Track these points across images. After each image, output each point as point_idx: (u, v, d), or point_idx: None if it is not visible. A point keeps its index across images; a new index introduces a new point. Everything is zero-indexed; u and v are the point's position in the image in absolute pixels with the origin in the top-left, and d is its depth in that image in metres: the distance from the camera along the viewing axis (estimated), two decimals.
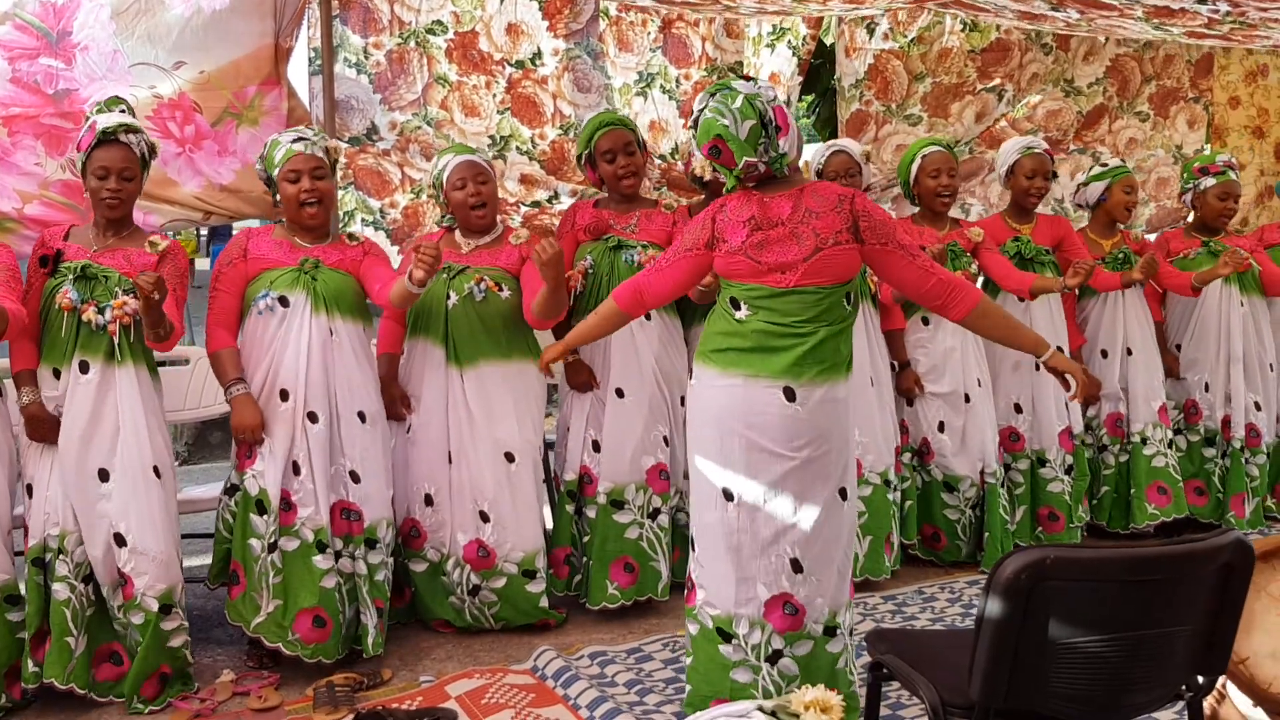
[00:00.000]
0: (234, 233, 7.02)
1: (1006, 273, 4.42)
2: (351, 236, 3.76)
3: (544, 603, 3.85)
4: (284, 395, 3.46)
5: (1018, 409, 4.61)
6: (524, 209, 4.91)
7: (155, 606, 3.25)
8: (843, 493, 2.85)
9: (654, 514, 4.00)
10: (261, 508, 3.42)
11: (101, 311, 3.24)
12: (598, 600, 3.96)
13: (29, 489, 3.31)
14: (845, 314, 2.85)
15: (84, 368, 3.25)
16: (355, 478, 3.54)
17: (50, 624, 3.22)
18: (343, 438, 3.53)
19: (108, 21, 4.04)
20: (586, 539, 4.03)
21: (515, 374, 3.82)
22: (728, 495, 2.86)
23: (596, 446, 3.99)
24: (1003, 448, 4.60)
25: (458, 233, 3.93)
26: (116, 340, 3.25)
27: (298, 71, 4.59)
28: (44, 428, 3.25)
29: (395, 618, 3.88)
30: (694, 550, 2.99)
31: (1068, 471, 4.65)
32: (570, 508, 4.05)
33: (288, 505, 3.45)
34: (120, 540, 3.25)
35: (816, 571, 2.83)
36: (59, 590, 3.22)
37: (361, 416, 3.56)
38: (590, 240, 4.08)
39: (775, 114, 2.80)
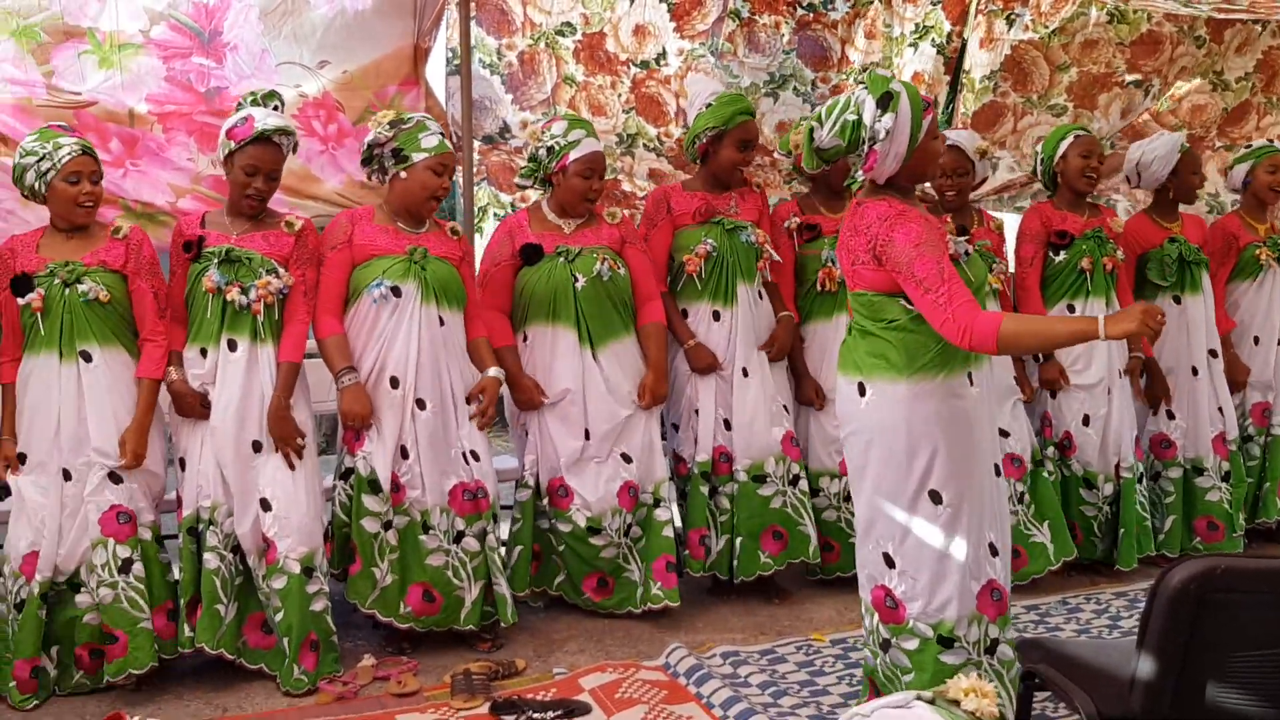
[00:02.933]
0: None
1: (1034, 299, 4.32)
2: (454, 231, 3.75)
3: (669, 534, 3.88)
4: (394, 383, 3.52)
5: (1170, 415, 4.44)
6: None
7: (297, 568, 3.35)
8: (934, 496, 2.80)
9: (794, 480, 4.01)
10: (375, 487, 3.50)
11: (245, 292, 3.34)
12: (751, 570, 3.97)
13: (181, 463, 3.45)
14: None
15: (232, 346, 3.37)
16: (475, 456, 3.62)
17: (201, 592, 3.35)
18: (458, 422, 3.61)
19: (256, 21, 4.16)
20: (723, 518, 4.02)
21: (635, 345, 3.93)
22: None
23: (728, 425, 4.00)
24: (1153, 454, 4.45)
25: (548, 209, 3.93)
26: (260, 319, 3.36)
27: (434, 72, 4.68)
28: (189, 403, 3.38)
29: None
30: None
31: (1225, 478, 4.46)
32: (704, 489, 4.02)
33: (396, 487, 3.54)
34: (266, 505, 3.37)
35: (911, 570, 2.84)
36: (209, 559, 3.35)
37: (468, 401, 3.65)
38: (694, 224, 4.03)
39: (869, 155, 2.76)
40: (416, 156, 3.53)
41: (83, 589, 3.28)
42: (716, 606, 4.04)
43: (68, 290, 3.25)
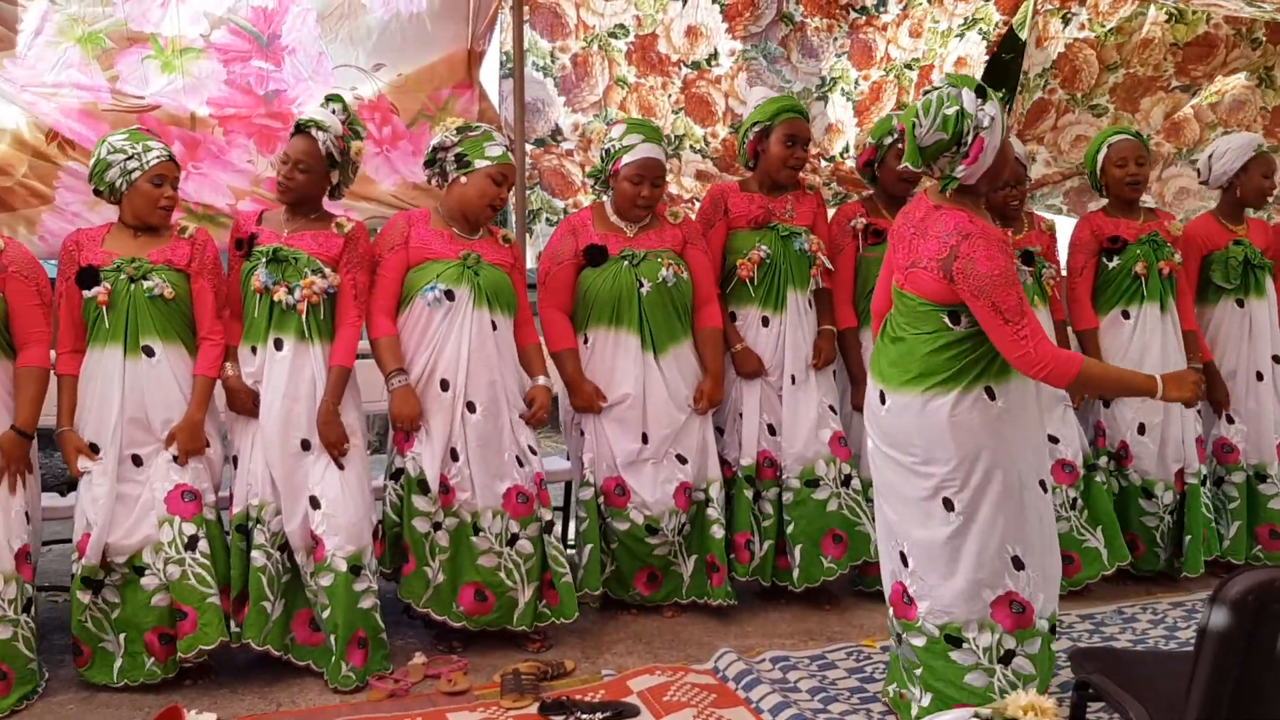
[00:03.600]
0: None
1: (1085, 310, 4.26)
2: (506, 239, 3.78)
3: (716, 533, 3.88)
4: (444, 385, 3.55)
5: (1230, 419, 4.36)
6: (699, 204, 4.92)
7: (344, 567, 3.38)
8: (947, 503, 2.84)
9: (846, 481, 3.99)
10: (424, 488, 3.54)
11: (291, 291, 3.39)
12: (815, 576, 3.96)
13: (234, 460, 3.52)
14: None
15: (279, 345, 3.42)
16: (533, 450, 3.66)
17: (249, 589, 3.39)
18: (513, 426, 3.63)
19: (314, 25, 4.23)
20: (767, 524, 4.01)
21: (692, 348, 3.96)
22: None
23: (772, 430, 3.99)
24: (1215, 459, 4.37)
25: (610, 210, 3.93)
26: (305, 318, 3.39)
27: (487, 75, 4.72)
28: (241, 399, 3.45)
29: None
30: None
31: None
32: (749, 492, 4.01)
33: (445, 489, 3.56)
34: (315, 503, 3.40)
35: (921, 570, 2.92)
36: (256, 557, 3.39)
37: (523, 414, 3.68)
38: (750, 228, 4.02)
39: (974, 144, 2.74)
40: (479, 163, 3.57)
41: (147, 571, 3.32)
42: (766, 611, 4.03)
43: (133, 285, 3.31)
